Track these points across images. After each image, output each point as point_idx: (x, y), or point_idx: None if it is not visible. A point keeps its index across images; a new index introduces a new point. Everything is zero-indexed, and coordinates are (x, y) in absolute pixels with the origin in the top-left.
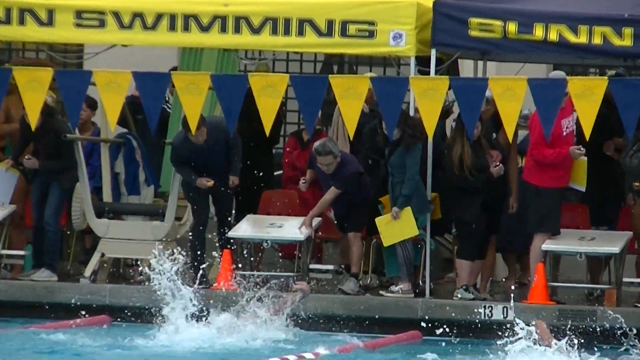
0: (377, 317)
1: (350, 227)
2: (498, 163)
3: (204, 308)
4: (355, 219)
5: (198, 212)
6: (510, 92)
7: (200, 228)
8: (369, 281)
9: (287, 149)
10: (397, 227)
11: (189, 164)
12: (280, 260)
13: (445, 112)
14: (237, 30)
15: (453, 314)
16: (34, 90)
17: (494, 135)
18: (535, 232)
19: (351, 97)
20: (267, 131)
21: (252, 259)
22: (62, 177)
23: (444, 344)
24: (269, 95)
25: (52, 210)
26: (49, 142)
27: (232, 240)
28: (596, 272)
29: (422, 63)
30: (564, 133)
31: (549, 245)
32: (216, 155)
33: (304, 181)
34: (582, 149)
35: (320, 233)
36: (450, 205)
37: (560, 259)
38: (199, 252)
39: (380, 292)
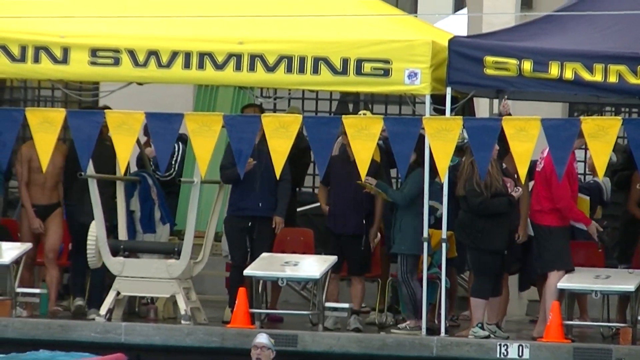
0: (392, 355)
1: (351, 271)
2: (516, 188)
3: None
4: (354, 261)
5: (236, 252)
6: (523, 133)
7: (239, 267)
8: (384, 319)
9: None
10: None
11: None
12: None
13: (462, 150)
14: (252, 68)
15: (468, 352)
16: (46, 131)
17: (503, 165)
18: (550, 270)
19: (364, 137)
20: (278, 172)
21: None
22: None
23: None
24: (281, 136)
25: None
26: None
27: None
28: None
29: (438, 101)
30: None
31: (564, 283)
32: (266, 172)
33: None
34: (600, 228)
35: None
36: (476, 236)
37: (583, 297)
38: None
39: (392, 330)
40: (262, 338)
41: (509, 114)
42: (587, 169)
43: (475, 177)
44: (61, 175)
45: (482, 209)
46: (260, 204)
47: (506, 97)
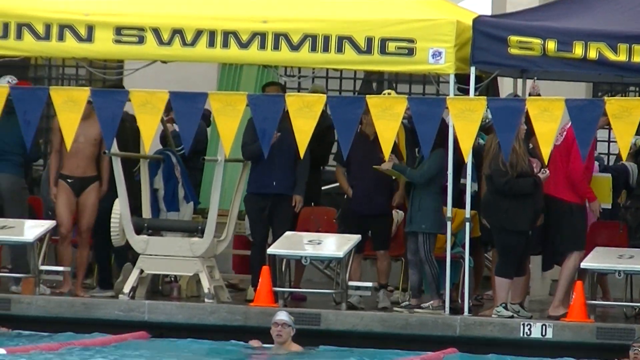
0: (416, 334)
1: (377, 247)
2: (543, 170)
3: None
4: (380, 237)
5: (256, 231)
6: (547, 113)
7: (259, 245)
8: (408, 299)
9: None
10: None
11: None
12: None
13: (487, 129)
14: (276, 47)
15: (491, 332)
16: (70, 110)
17: (530, 145)
18: (571, 250)
19: (388, 117)
20: (302, 152)
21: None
22: None
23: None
24: (305, 115)
25: None
26: None
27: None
28: None
29: (462, 81)
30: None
31: (587, 263)
32: (286, 150)
33: None
34: (600, 210)
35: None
36: (501, 216)
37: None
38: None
39: (416, 309)
40: (282, 315)
41: (539, 95)
42: (611, 150)
43: (501, 157)
44: (99, 147)
45: (507, 189)
46: (279, 182)
47: (536, 78)
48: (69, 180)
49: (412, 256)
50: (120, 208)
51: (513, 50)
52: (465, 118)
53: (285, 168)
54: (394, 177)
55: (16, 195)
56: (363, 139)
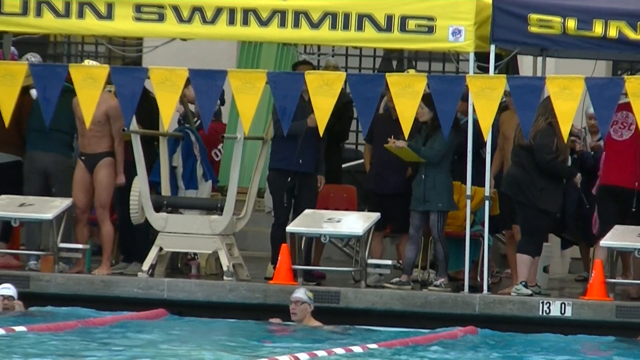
0: (435, 312)
1: (399, 230)
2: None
3: None
4: (398, 219)
5: (280, 209)
6: (567, 91)
7: (282, 225)
8: (427, 277)
9: None
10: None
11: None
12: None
13: (504, 108)
14: (296, 24)
15: (511, 310)
16: (89, 87)
17: None
18: None
19: (408, 95)
20: (321, 130)
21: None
22: None
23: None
24: (325, 93)
25: None
26: None
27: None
28: None
29: (481, 59)
30: None
31: (607, 241)
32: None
33: None
34: None
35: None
36: (534, 195)
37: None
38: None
39: (430, 287)
40: (298, 292)
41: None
42: None
43: (551, 136)
44: (107, 125)
45: (550, 167)
46: (305, 161)
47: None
48: (82, 158)
49: (415, 232)
50: (139, 186)
51: (533, 29)
52: (485, 96)
53: (310, 146)
54: (401, 157)
55: (62, 174)
56: (388, 119)
